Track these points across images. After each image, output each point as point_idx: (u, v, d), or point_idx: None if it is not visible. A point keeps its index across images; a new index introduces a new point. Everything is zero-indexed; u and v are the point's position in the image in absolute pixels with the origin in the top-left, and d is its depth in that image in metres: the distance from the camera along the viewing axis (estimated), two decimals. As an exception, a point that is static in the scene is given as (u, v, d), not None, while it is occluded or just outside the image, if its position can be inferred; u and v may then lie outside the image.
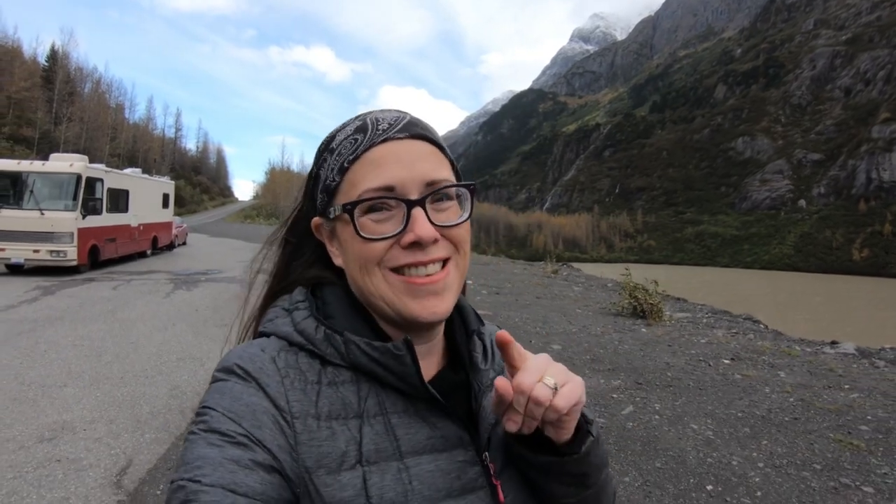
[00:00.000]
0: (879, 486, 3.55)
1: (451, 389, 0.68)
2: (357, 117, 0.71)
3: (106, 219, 15.15)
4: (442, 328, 0.73)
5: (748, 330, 9.75)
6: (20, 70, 49.40)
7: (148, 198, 18.90)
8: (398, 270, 0.64)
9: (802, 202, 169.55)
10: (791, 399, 5.36)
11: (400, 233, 0.63)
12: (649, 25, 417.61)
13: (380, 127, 0.66)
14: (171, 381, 5.51)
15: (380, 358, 0.62)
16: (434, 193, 0.64)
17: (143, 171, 21.32)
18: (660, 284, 10.57)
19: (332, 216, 0.68)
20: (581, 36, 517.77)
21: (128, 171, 18.89)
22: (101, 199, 14.83)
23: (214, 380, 0.61)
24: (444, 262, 0.66)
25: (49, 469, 3.59)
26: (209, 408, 0.57)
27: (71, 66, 61.34)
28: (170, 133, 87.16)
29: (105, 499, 3.26)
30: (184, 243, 25.10)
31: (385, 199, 0.63)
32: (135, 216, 17.45)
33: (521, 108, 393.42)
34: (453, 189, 0.67)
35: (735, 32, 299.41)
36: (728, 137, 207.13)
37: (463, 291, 0.76)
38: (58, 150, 40.73)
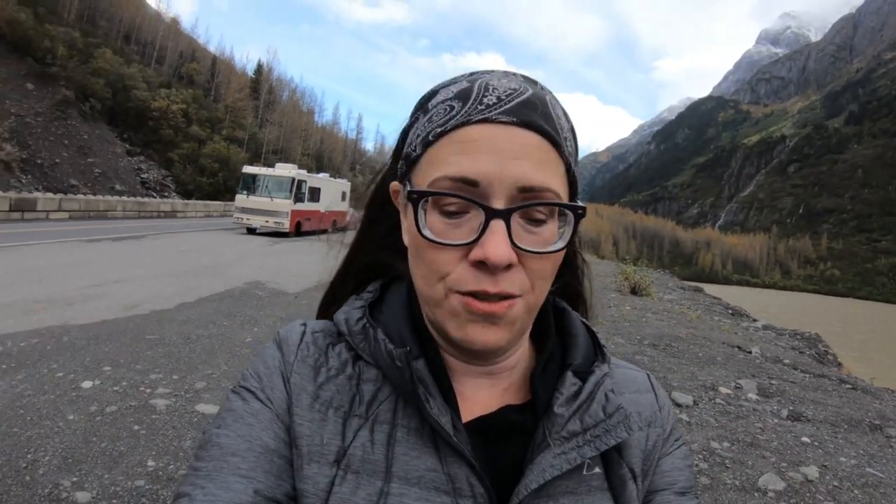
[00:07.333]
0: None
1: (509, 431, 0.55)
2: (469, 75, 0.55)
3: (306, 206, 22.60)
4: (519, 359, 0.60)
5: (715, 312, 13.90)
6: (234, 82, 59.10)
7: (332, 193, 26.38)
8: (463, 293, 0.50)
9: None
10: (632, 314, 10.29)
11: (469, 244, 0.49)
12: (849, 24, 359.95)
13: (485, 99, 0.50)
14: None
15: (389, 364, 0.54)
16: (523, 208, 0.49)
17: (329, 170, 29.06)
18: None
19: (406, 189, 0.55)
20: (768, 38, 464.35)
21: (320, 175, 27.34)
22: (305, 193, 22.36)
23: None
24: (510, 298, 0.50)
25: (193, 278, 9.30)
26: (247, 368, 0.59)
27: (273, 78, 71.20)
28: (352, 135, 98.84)
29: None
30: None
31: (460, 196, 0.48)
32: (323, 205, 24.82)
33: (698, 116, 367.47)
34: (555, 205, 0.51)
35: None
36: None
37: (586, 311, 0.68)
38: (261, 150, 52.56)
